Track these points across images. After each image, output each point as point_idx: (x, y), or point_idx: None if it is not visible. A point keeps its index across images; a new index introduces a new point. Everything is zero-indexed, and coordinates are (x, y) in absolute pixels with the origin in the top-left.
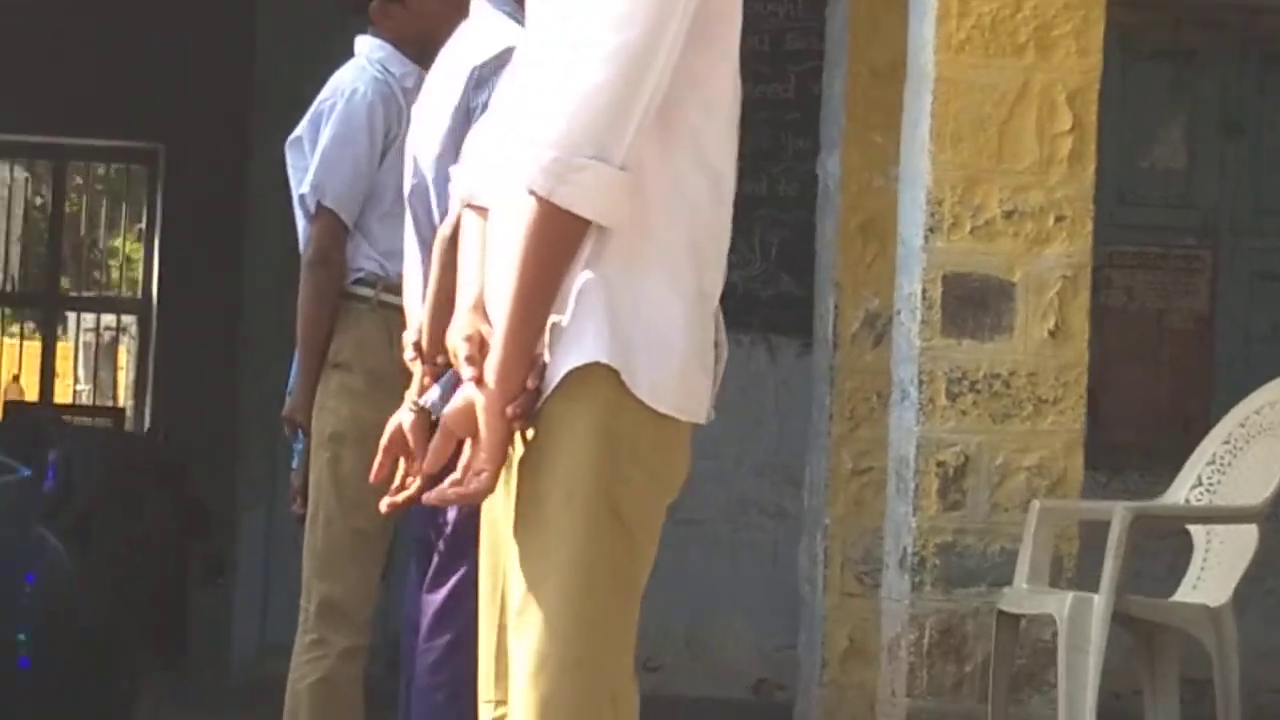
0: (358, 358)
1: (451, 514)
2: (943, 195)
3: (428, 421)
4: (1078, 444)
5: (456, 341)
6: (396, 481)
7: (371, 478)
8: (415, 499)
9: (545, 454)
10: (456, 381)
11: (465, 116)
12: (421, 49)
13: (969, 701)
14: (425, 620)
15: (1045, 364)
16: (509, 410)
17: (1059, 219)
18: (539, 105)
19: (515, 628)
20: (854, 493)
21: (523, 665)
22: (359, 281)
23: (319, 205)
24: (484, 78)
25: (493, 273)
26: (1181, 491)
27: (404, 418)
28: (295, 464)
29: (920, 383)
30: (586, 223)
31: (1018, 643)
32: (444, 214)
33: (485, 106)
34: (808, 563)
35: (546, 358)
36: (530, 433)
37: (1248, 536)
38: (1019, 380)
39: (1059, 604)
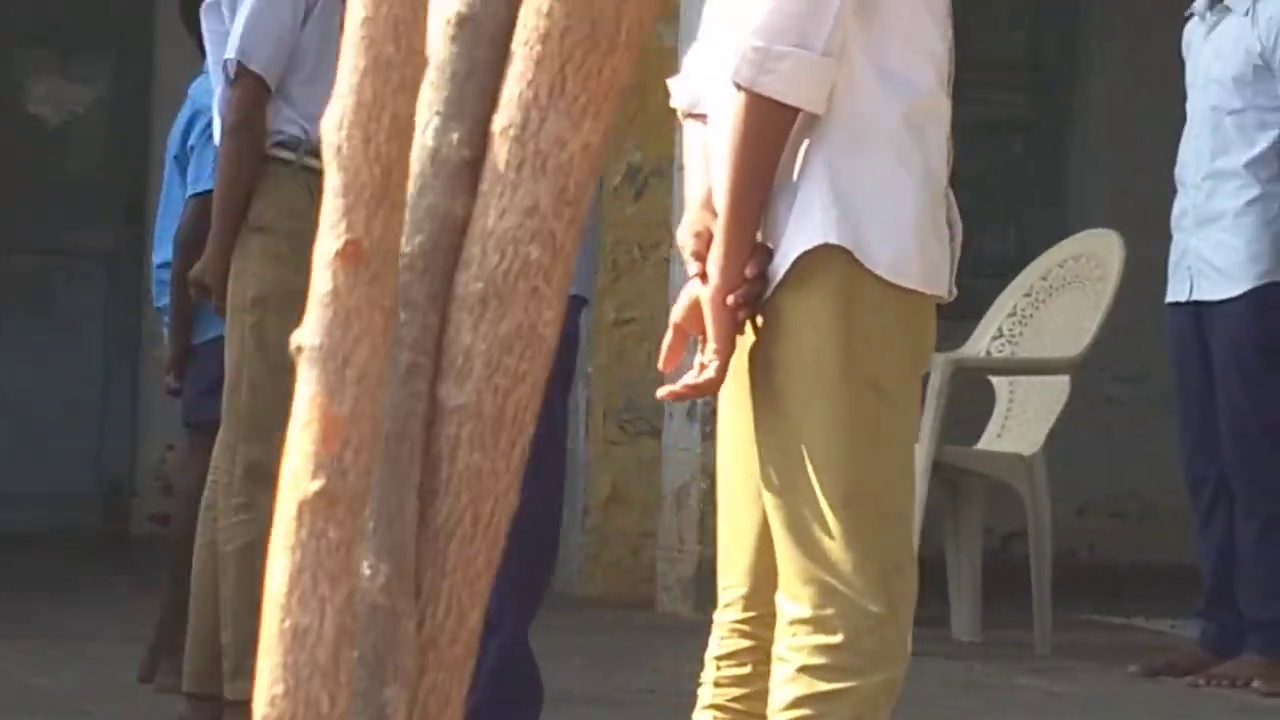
0: (280, 221)
1: None
2: None
3: None
4: None
5: (686, 237)
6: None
7: None
8: None
9: (783, 341)
10: None
11: None
12: None
13: None
14: None
15: None
16: (730, 300)
17: None
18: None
19: (779, 507)
20: (616, 343)
21: (794, 548)
22: (281, 145)
23: (241, 69)
24: None
25: (716, 172)
26: (982, 342)
27: None
28: (166, 336)
29: None
30: (793, 110)
31: None
32: None
33: None
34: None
35: (772, 245)
36: (762, 322)
37: (1058, 388)
38: None
39: None
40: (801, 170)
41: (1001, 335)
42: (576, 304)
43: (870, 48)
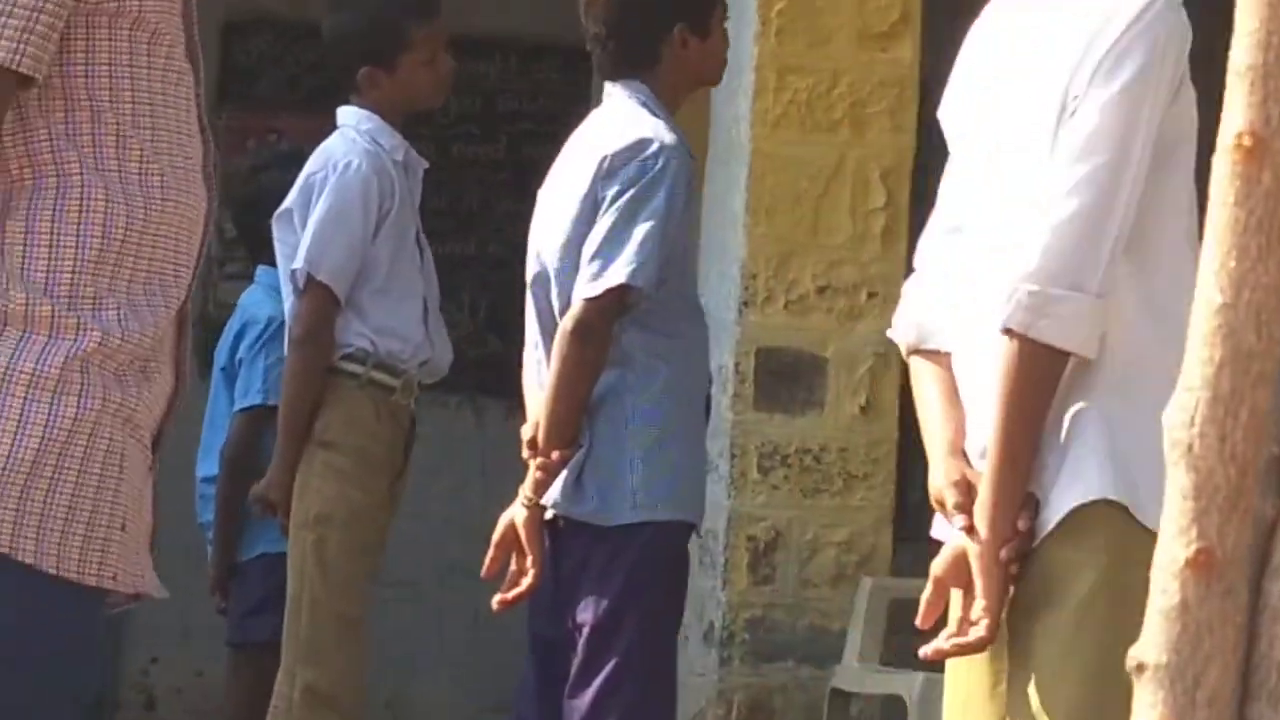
0: (345, 436)
1: (585, 615)
2: (756, 269)
3: (540, 517)
4: (887, 520)
5: (943, 488)
6: (509, 578)
7: (483, 573)
8: (526, 595)
9: (1046, 595)
10: (576, 476)
11: (593, 206)
12: (406, 120)
13: None
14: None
15: (856, 440)
16: (1003, 554)
17: (871, 295)
18: (1005, 240)
19: None
20: None
21: None
22: (348, 358)
23: (310, 280)
24: (614, 168)
25: (972, 416)
26: None
27: (517, 513)
28: (210, 554)
29: (732, 456)
30: (1066, 355)
31: None
32: (565, 304)
33: (614, 197)
34: None
35: (1039, 495)
36: (1024, 573)
37: None
38: (829, 456)
39: (908, 684)
40: (1073, 418)
41: None
42: (687, 530)
43: (1140, 288)
